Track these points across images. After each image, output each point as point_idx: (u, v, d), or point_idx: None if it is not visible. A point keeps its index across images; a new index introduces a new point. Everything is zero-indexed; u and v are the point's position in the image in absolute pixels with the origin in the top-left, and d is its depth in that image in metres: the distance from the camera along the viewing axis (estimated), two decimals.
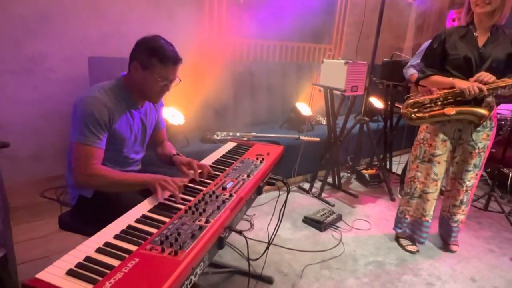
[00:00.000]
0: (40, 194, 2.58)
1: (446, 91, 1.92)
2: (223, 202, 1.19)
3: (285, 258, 2.06)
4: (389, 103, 3.39)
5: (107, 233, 0.99)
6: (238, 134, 2.81)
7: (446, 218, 2.20)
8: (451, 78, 1.90)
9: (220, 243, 1.07)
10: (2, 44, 2.34)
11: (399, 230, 2.29)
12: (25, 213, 2.33)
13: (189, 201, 1.21)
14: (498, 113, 3.47)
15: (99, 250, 0.91)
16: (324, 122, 3.42)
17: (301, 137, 2.91)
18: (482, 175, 3.37)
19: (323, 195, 2.94)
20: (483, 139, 1.97)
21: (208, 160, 1.62)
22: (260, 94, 3.44)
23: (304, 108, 3.24)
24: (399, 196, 3.06)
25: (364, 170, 3.33)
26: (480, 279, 2.02)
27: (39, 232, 2.13)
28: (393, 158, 3.69)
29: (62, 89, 2.62)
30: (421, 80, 2.05)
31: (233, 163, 1.60)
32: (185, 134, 2.64)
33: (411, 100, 2.01)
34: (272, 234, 1.68)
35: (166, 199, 1.22)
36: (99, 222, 1.12)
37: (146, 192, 1.39)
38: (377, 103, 3.67)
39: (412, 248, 2.23)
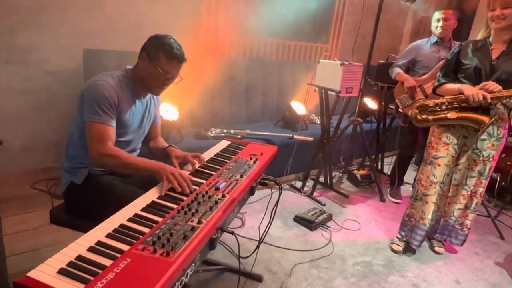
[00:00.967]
0: (31, 186, 2.56)
1: (451, 96, 1.97)
2: (216, 203, 1.20)
3: (275, 257, 2.08)
4: (383, 104, 3.43)
5: (100, 232, 1.00)
6: (232, 131, 2.81)
7: (451, 221, 2.21)
8: (459, 85, 1.95)
9: (212, 244, 1.09)
10: None
11: (403, 233, 2.30)
12: (16, 205, 2.32)
13: (182, 200, 1.22)
14: None
15: (91, 249, 0.91)
16: (318, 121, 3.44)
17: (295, 137, 2.93)
18: None
19: (315, 194, 2.97)
20: (488, 148, 1.99)
21: None
22: (255, 91, 3.45)
23: (298, 107, 3.26)
24: (389, 197, 3.11)
25: (356, 171, 3.36)
26: (464, 281, 2.07)
27: (30, 224, 2.12)
28: (385, 159, 3.74)
29: (56, 81, 2.60)
30: (437, 89, 2.13)
31: (226, 162, 1.61)
32: (179, 129, 2.64)
33: (418, 103, 2.10)
34: (263, 233, 1.70)
35: (160, 197, 1.23)
36: (90, 215, 1.13)
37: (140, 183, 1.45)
38: (371, 103, 3.70)
39: (396, 247, 2.27)
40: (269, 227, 1.68)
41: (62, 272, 0.82)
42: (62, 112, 2.66)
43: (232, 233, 1.18)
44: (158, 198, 1.23)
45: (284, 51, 3.87)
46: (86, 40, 2.61)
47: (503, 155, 3.24)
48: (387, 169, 3.63)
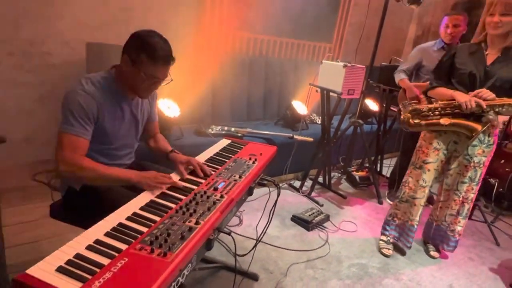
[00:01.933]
0: (32, 177, 2.58)
1: (445, 102, 1.96)
2: (214, 203, 1.21)
3: (272, 256, 2.10)
4: (384, 106, 3.43)
5: (98, 230, 1.01)
6: (233, 129, 2.82)
7: (443, 227, 2.23)
8: (453, 91, 1.94)
9: (209, 244, 1.10)
10: (1, 25, 2.31)
11: (386, 232, 2.34)
12: (16, 196, 2.33)
13: (180, 200, 1.24)
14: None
15: (89, 248, 0.93)
16: (319, 121, 3.45)
17: (295, 136, 2.93)
18: None
19: (313, 194, 2.99)
20: (479, 154, 2.00)
21: (201, 158, 1.63)
22: (257, 89, 3.45)
23: (300, 107, 3.26)
24: (387, 200, 3.12)
25: (354, 172, 3.37)
26: (458, 286, 2.09)
27: (29, 216, 2.14)
28: (384, 161, 3.75)
29: (59, 73, 2.61)
30: (428, 91, 2.11)
31: (226, 162, 1.62)
32: (179, 126, 2.65)
33: (411, 107, 2.07)
34: (261, 233, 1.72)
35: (158, 197, 1.24)
36: (89, 216, 1.14)
37: (136, 187, 1.39)
38: (372, 105, 3.70)
39: (387, 251, 2.29)
40: (267, 227, 1.70)
41: (60, 270, 0.84)
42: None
43: (229, 233, 1.19)
44: (157, 197, 1.24)
45: (288, 49, 3.86)
46: (89, 34, 2.61)
47: (502, 161, 3.26)
48: (386, 171, 3.65)
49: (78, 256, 0.89)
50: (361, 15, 4.26)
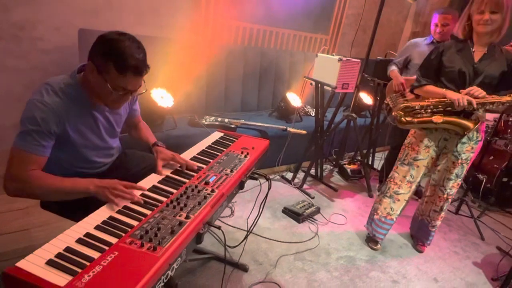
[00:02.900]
0: None
1: (437, 100, 1.98)
2: (205, 197, 1.22)
3: (262, 247, 2.13)
4: (378, 100, 3.44)
5: (89, 223, 1.02)
6: (226, 120, 2.82)
7: (426, 222, 2.29)
8: (444, 89, 1.96)
9: (199, 238, 1.11)
10: None
11: (364, 233, 2.41)
12: None
13: (171, 193, 1.24)
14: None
15: (79, 241, 0.94)
16: (313, 113, 3.46)
17: (288, 129, 2.94)
18: None
19: (305, 186, 3.01)
20: (467, 151, 2.03)
21: (193, 151, 1.63)
22: (252, 80, 3.43)
23: (294, 99, 3.26)
24: (377, 193, 3.16)
25: (346, 165, 3.41)
26: (442, 279, 2.14)
27: (20, 204, 2.13)
28: (376, 154, 3.78)
29: (50, 59, 2.56)
30: (415, 89, 2.11)
31: (218, 155, 1.62)
32: (173, 116, 2.63)
33: (403, 104, 2.07)
34: (251, 225, 1.74)
35: (150, 190, 1.25)
36: (79, 209, 1.14)
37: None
38: (366, 98, 3.71)
39: (374, 245, 2.34)
40: (257, 220, 1.72)
41: (50, 263, 0.85)
42: None
43: (219, 228, 1.20)
44: (148, 190, 1.25)
45: (283, 40, 3.83)
46: (81, 20, 2.56)
47: (491, 157, 3.31)
48: (378, 165, 3.69)
49: (68, 249, 0.90)
50: (358, 7, 4.24)
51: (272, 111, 3.44)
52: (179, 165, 1.45)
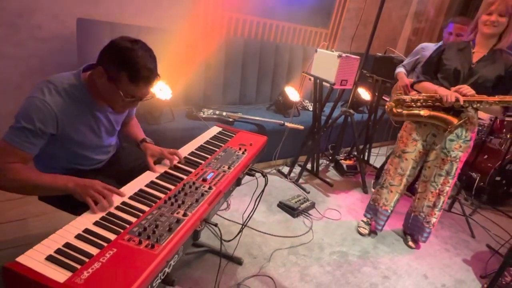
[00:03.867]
0: None
1: (428, 95, 2.04)
2: (202, 195, 1.24)
3: (256, 241, 2.17)
4: (376, 96, 3.45)
5: (87, 219, 1.03)
6: (224, 113, 2.82)
7: (420, 218, 2.33)
8: (437, 86, 2.01)
9: (196, 235, 1.14)
10: None
11: (368, 216, 2.47)
12: None
13: (169, 189, 1.26)
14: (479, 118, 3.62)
15: (78, 237, 0.95)
16: (311, 108, 3.47)
17: (286, 124, 2.95)
18: None
19: (301, 180, 3.04)
20: (455, 149, 2.08)
21: (191, 146, 1.64)
22: (251, 73, 3.42)
23: (292, 93, 3.26)
24: (373, 190, 3.20)
25: (342, 160, 3.44)
26: (432, 276, 2.20)
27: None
28: (372, 150, 3.81)
29: (48, 48, 2.54)
30: (415, 85, 2.18)
31: (216, 151, 1.63)
32: (171, 108, 2.63)
33: (396, 97, 2.15)
34: (246, 220, 1.76)
35: (148, 186, 1.26)
36: (77, 203, 1.15)
37: (119, 179, 1.36)
38: (364, 94, 3.72)
39: (363, 230, 2.45)
40: (252, 214, 1.74)
41: (50, 258, 0.86)
42: None
43: (215, 225, 1.23)
44: (146, 186, 1.26)
45: (283, 33, 3.80)
46: (80, 8, 2.53)
47: (485, 156, 3.35)
48: (373, 161, 3.72)
49: (67, 245, 0.91)
50: (360, 1, 4.20)
51: (270, 105, 3.45)
52: (172, 160, 1.44)
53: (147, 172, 1.37)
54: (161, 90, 2.47)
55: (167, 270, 0.98)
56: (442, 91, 1.94)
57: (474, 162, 3.16)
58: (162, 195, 1.21)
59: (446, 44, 2.09)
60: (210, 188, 1.29)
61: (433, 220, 2.28)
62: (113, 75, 1.18)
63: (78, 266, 0.85)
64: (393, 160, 2.28)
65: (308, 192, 2.89)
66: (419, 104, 2.06)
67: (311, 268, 2.04)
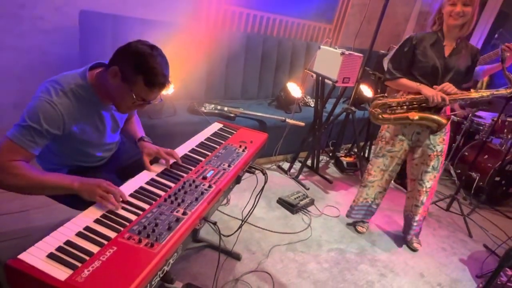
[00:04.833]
0: None
1: (412, 96, 2.03)
2: (202, 193, 1.25)
3: (255, 237, 2.19)
4: (379, 93, 3.44)
5: (88, 216, 1.04)
6: (226, 108, 2.82)
7: (410, 217, 2.35)
8: (418, 84, 2.00)
9: (195, 234, 1.15)
10: None
11: (351, 220, 2.51)
12: None
13: (170, 187, 1.27)
14: (478, 116, 3.62)
15: (79, 234, 0.96)
16: (313, 104, 3.46)
17: (287, 120, 2.95)
18: (451, 175, 3.57)
19: (300, 177, 3.05)
20: (440, 143, 2.11)
21: (192, 143, 1.65)
22: (253, 68, 3.40)
23: (294, 89, 3.25)
24: None
25: (343, 157, 3.44)
26: (428, 275, 2.22)
27: None
28: (373, 147, 3.81)
29: (50, 39, 2.53)
30: (387, 81, 2.13)
31: (216, 148, 1.64)
32: (172, 102, 2.63)
33: (380, 101, 2.11)
34: (246, 216, 1.77)
35: (148, 183, 1.27)
36: (78, 199, 1.16)
37: (120, 174, 1.39)
38: (367, 91, 3.71)
39: (360, 229, 2.47)
40: (252, 211, 1.75)
41: (51, 256, 0.88)
42: (54, 72, 2.59)
43: (215, 223, 1.24)
44: (146, 183, 1.27)
45: (287, 28, 3.77)
46: (83, 0, 2.51)
47: (485, 156, 3.35)
48: None
49: (68, 243, 0.93)
50: None
51: (272, 100, 3.44)
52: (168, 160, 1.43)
53: (141, 174, 1.34)
54: None
55: (166, 268, 0.99)
56: (427, 91, 1.93)
57: (474, 161, 3.16)
58: (162, 193, 1.22)
59: (417, 37, 2.00)
60: (210, 186, 1.30)
61: (419, 218, 2.30)
62: (128, 77, 1.19)
63: (79, 264, 0.87)
64: (375, 160, 2.27)
65: (308, 189, 2.91)
66: (404, 106, 2.04)
67: (308, 264, 2.06)
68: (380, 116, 2.09)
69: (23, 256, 0.86)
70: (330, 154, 3.62)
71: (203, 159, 1.52)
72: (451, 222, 2.92)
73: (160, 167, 1.41)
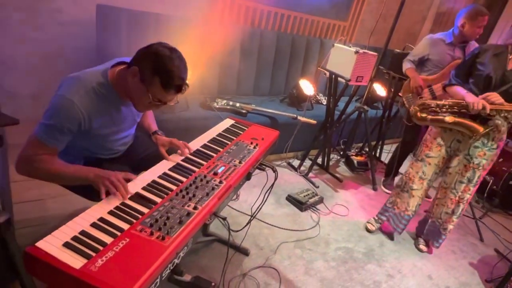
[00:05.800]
0: None
1: (454, 100, 2.01)
2: (213, 188, 1.27)
3: (264, 233, 2.20)
4: (392, 93, 3.40)
5: (102, 207, 1.08)
6: (238, 104, 2.83)
7: (437, 224, 2.30)
8: (465, 91, 1.97)
9: (205, 228, 1.17)
10: None
11: (384, 218, 2.44)
12: None
13: (181, 182, 1.29)
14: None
15: (94, 225, 1.00)
16: (325, 102, 3.45)
17: (299, 118, 2.95)
18: None
19: (310, 175, 3.05)
20: (479, 156, 2.03)
21: (204, 138, 1.67)
22: (266, 64, 3.40)
23: (307, 87, 3.24)
24: (382, 187, 3.19)
25: (353, 156, 3.42)
26: (437, 277, 2.20)
27: None
28: (385, 147, 3.78)
29: (68, 32, 2.58)
30: (446, 87, 2.16)
31: (228, 144, 1.66)
32: (185, 97, 2.66)
33: (421, 101, 2.14)
34: (255, 212, 1.79)
35: (160, 177, 1.30)
36: (91, 190, 1.20)
37: (134, 166, 1.44)
38: (380, 90, 3.67)
39: (370, 227, 2.47)
40: (261, 207, 1.76)
41: (67, 245, 0.91)
42: (72, 65, 2.66)
43: (224, 218, 1.26)
44: (159, 177, 1.30)
45: (301, 25, 3.75)
46: None
47: (500, 159, 3.29)
48: (385, 158, 3.69)
49: (83, 232, 0.96)
50: None
51: (284, 97, 3.44)
52: (178, 150, 1.51)
53: (163, 161, 1.42)
54: None
55: (176, 261, 1.02)
56: (469, 98, 1.90)
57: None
58: (174, 187, 1.25)
59: (482, 47, 2.00)
60: (220, 182, 1.32)
61: (450, 227, 2.24)
62: (146, 78, 1.22)
63: (93, 254, 0.90)
64: (415, 164, 2.24)
65: (317, 187, 2.91)
66: (444, 109, 2.03)
67: (316, 262, 2.07)
68: (418, 114, 2.12)
69: (40, 244, 0.89)
70: (341, 153, 3.61)
71: (214, 154, 1.54)
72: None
73: (177, 157, 1.46)
